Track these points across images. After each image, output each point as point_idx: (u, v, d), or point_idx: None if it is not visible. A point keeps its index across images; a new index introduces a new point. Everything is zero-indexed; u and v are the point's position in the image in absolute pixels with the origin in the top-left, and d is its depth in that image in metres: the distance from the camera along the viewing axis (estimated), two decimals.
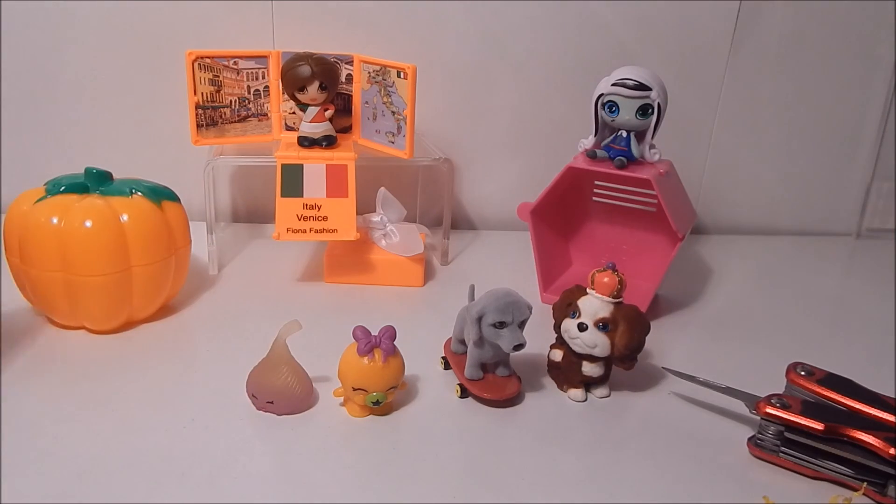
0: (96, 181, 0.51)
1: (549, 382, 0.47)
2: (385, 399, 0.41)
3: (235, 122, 0.61)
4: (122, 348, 0.49)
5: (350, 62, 0.61)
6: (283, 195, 0.57)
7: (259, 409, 0.42)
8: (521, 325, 0.42)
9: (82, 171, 0.51)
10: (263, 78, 0.61)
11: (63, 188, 0.50)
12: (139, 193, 0.50)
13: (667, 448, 0.41)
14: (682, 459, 0.40)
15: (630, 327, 0.43)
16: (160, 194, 0.52)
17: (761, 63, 0.75)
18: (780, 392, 0.41)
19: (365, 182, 0.60)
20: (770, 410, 0.39)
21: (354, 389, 0.40)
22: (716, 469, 0.40)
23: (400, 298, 0.59)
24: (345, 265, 0.60)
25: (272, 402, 0.42)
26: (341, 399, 0.43)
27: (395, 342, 0.41)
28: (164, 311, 0.54)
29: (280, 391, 0.41)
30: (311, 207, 0.57)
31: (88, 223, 0.47)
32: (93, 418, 0.41)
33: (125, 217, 0.49)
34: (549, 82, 0.73)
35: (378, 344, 0.40)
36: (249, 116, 0.62)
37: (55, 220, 0.47)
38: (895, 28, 0.75)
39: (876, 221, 0.83)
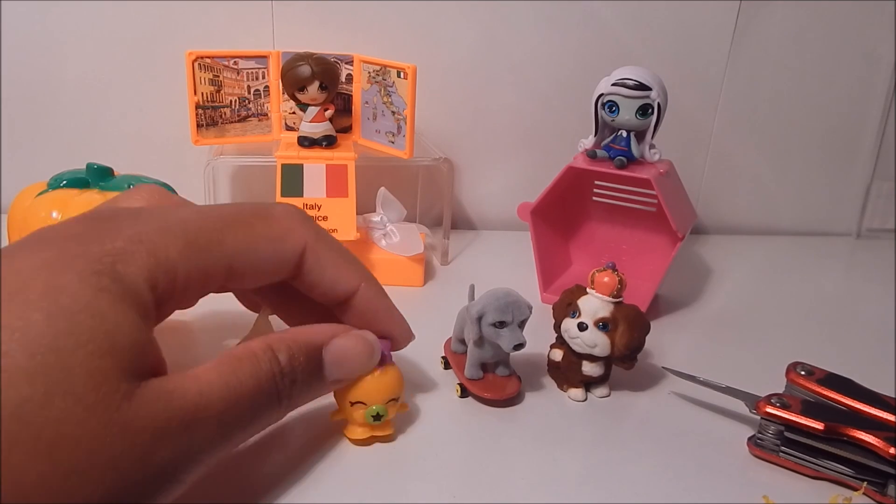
0: (97, 176, 0.51)
1: (549, 382, 0.47)
2: (386, 413, 0.38)
3: (235, 122, 0.61)
4: None
5: (350, 62, 0.61)
6: (283, 195, 0.57)
7: None
8: (521, 324, 0.42)
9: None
10: (263, 78, 0.61)
11: (64, 182, 0.50)
12: None
13: (667, 447, 0.41)
14: (682, 459, 0.40)
15: (630, 327, 0.43)
16: None
17: (761, 63, 0.75)
18: (780, 392, 0.41)
19: (365, 182, 0.60)
20: (770, 410, 0.39)
21: (352, 404, 0.38)
22: (716, 469, 0.40)
23: (400, 298, 0.58)
24: None
25: None
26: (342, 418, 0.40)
27: (391, 351, 0.40)
28: None
29: None
30: (311, 207, 0.57)
31: None
32: None
33: None
34: (550, 82, 0.73)
35: None
36: (249, 116, 0.62)
37: (55, 214, 0.47)
38: (895, 28, 0.75)
39: (876, 221, 0.83)
